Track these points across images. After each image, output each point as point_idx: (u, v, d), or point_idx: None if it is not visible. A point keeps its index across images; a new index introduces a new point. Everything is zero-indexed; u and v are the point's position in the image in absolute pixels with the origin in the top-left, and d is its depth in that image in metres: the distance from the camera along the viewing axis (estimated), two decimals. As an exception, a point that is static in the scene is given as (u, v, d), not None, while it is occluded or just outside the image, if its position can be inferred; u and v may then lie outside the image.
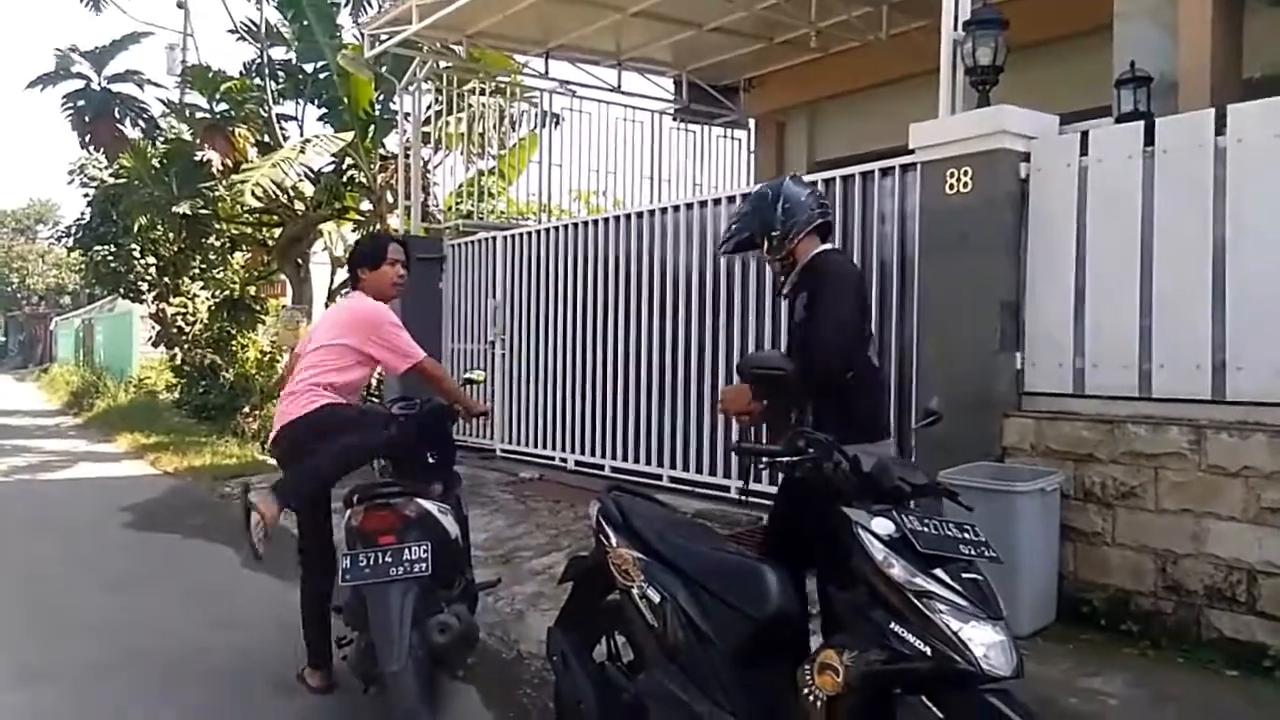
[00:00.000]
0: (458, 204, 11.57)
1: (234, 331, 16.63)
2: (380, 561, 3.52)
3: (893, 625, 2.29)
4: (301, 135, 13.53)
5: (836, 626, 2.49)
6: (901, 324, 5.36)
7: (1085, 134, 4.52)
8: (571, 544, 5.93)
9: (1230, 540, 3.85)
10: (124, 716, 3.91)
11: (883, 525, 2.42)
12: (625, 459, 7.54)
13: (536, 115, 11.38)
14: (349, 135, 12.24)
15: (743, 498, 3.02)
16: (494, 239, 9.15)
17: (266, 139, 13.88)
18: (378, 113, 12.93)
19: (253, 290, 17.41)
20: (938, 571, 2.33)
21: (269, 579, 5.46)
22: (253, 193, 10.95)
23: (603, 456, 7.76)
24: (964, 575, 2.35)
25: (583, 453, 7.99)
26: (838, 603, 2.49)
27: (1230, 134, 3.98)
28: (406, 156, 10.14)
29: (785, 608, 2.76)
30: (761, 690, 2.79)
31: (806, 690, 2.42)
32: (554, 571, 5.46)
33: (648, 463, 7.32)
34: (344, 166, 13.91)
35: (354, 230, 15.89)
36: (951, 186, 4.76)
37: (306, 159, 11.58)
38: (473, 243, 9.45)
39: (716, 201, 6.95)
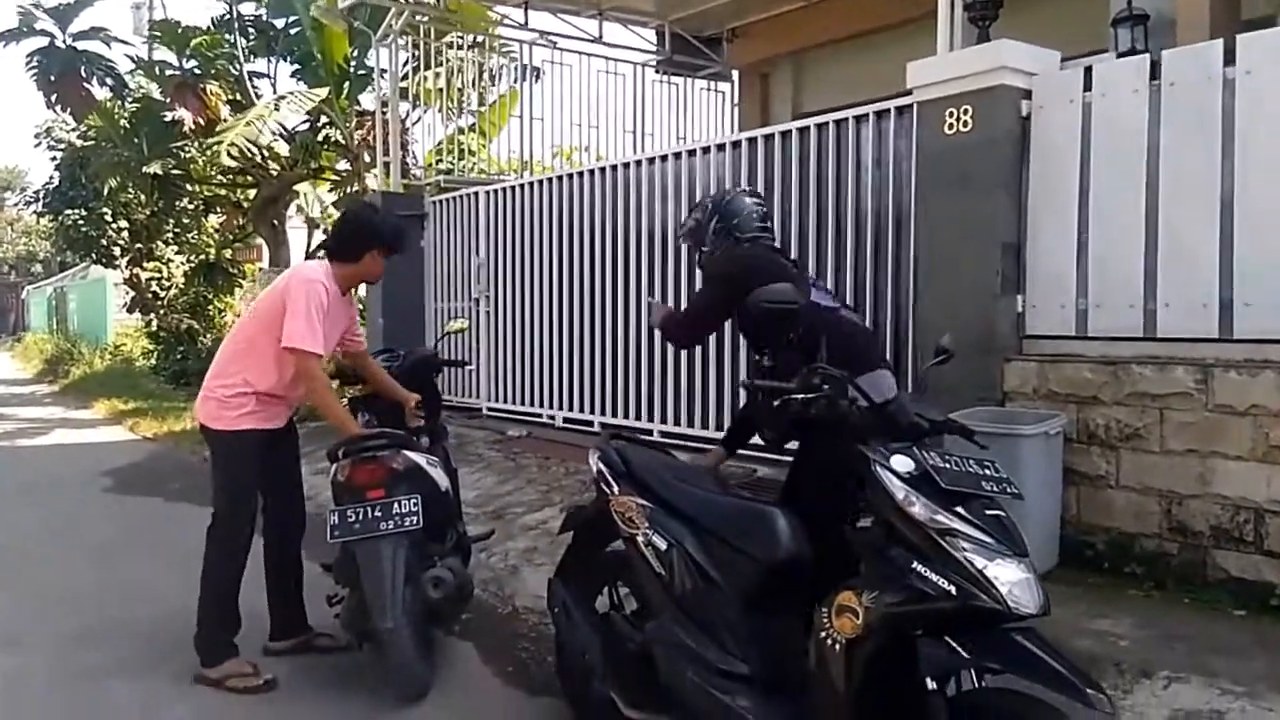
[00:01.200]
0: (437, 161, 11.34)
1: (210, 296, 16.39)
2: (369, 516, 3.42)
3: (915, 565, 2.20)
4: (275, 93, 13.22)
5: (851, 569, 2.39)
6: (897, 272, 5.25)
7: (1088, 69, 4.38)
8: (563, 499, 5.84)
9: (1237, 480, 3.79)
10: (110, 685, 3.79)
11: (902, 462, 2.32)
12: (615, 414, 7.41)
13: (516, 69, 11.14)
14: (324, 91, 11.94)
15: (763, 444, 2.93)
16: (476, 194, 8.95)
17: (238, 97, 13.55)
18: (352, 69, 12.62)
19: (229, 254, 17.14)
20: (960, 508, 2.24)
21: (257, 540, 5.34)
22: (228, 152, 10.67)
23: (592, 413, 7.64)
24: (987, 512, 2.26)
25: (571, 409, 7.87)
26: (855, 543, 2.40)
27: (1239, 65, 3.86)
28: (384, 112, 9.88)
29: (795, 552, 2.67)
30: (771, 636, 2.71)
31: (823, 634, 2.34)
32: (547, 526, 5.38)
33: (637, 418, 7.20)
34: (319, 125, 13.62)
35: (330, 190, 15.63)
36: (951, 126, 4.63)
37: (281, 116, 11.28)
38: (455, 199, 9.25)
39: (705, 150, 6.78)
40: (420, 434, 4.10)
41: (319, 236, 18.23)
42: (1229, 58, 3.91)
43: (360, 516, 3.39)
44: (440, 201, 9.49)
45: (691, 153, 6.84)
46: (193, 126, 12.32)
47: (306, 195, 16.38)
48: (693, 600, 2.75)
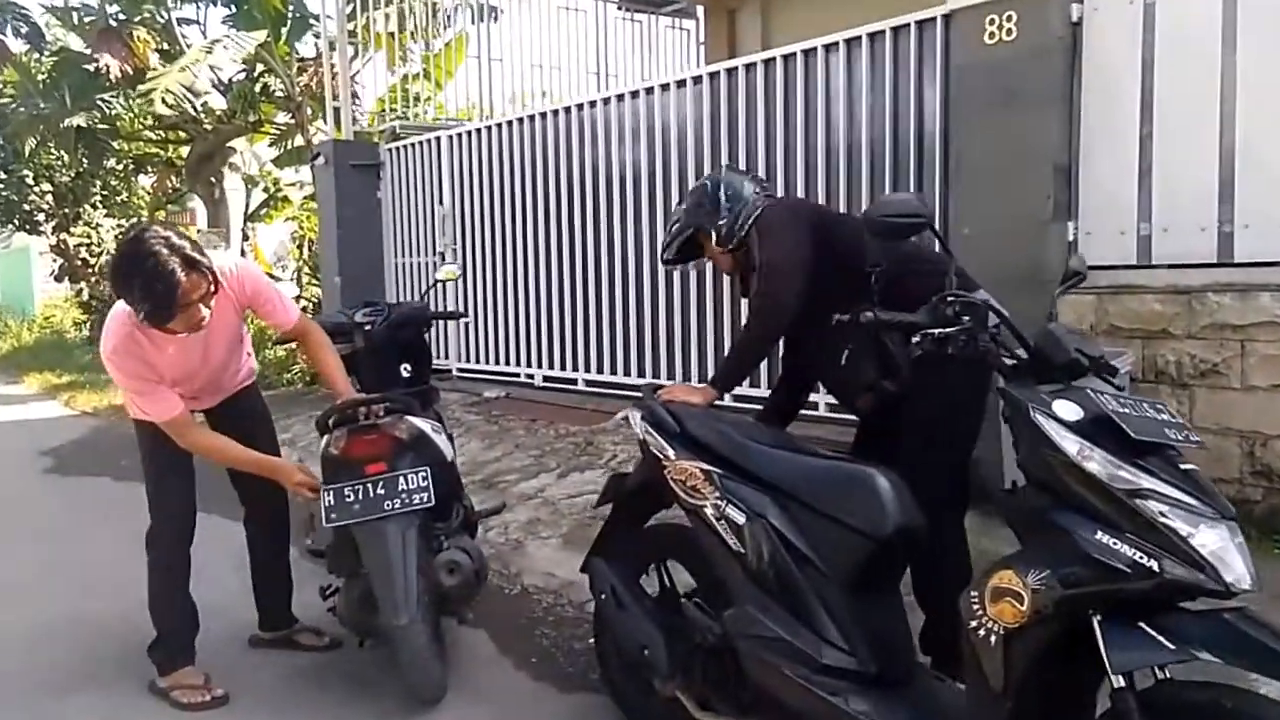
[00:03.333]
0: (389, 109, 10.61)
1: (146, 261, 15.41)
2: (372, 494, 2.90)
3: (1098, 534, 1.76)
4: (206, 40, 12.31)
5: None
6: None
7: (1149, -34, 3.93)
8: (560, 465, 5.35)
9: (1333, 416, 3.43)
10: (72, 687, 3.25)
11: (1067, 409, 1.87)
12: (600, 370, 6.92)
13: (472, 8, 10.42)
14: (261, 35, 11.11)
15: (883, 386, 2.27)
16: (437, 140, 8.30)
17: (167, 46, 12.62)
18: (290, 11, 11.78)
19: (162, 215, 16.17)
20: (1147, 462, 1.80)
21: (220, 520, 4.77)
22: (163, 100, 9.84)
23: (574, 370, 7.14)
24: (1180, 466, 1.82)
25: (551, 367, 7.35)
26: (1008, 510, 1.95)
27: (1335, -49, 3.44)
28: (333, 55, 9.14)
29: (907, 522, 2.22)
30: (877, 623, 2.26)
31: (974, 624, 1.89)
32: (547, 495, 4.90)
33: (625, 373, 6.72)
34: (256, 74, 12.74)
35: (271, 145, 14.75)
36: (992, 35, 4.15)
37: (216, 60, 10.44)
38: (414, 145, 8.59)
39: (680, 84, 6.28)
40: (410, 397, 3.57)
41: (259, 196, 17.37)
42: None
43: (360, 495, 2.87)
44: (396, 149, 8.84)
45: (665, 87, 6.30)
46: (119, 75, 11.39)
47: (244, 152, 15.49)
48: (781, 582, 2.28)
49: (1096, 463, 1.79)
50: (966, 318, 1.98)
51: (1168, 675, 1.78)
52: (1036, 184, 4.10)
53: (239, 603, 3.55)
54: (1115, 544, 1.74)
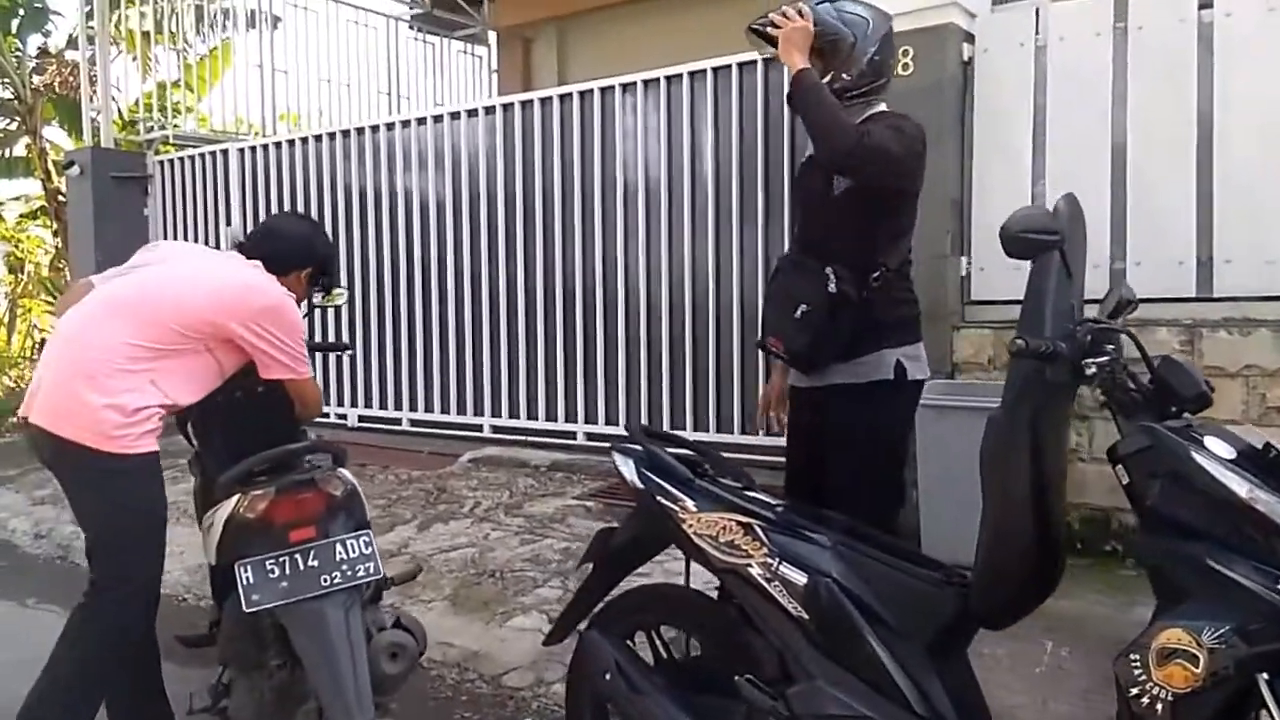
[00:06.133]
0: (144, 117, 9.40)
1: None
2: (303, 567, 2.33)
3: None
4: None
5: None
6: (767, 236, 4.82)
7: (1037, 11, 4.07)
8: (415, 515, 4.78)
9: (1228, 445, 3.61)
10: None
11: (1220, 446, 1.72)
12: (428, 410, 6.36)
13: (245, 12, 9.48)
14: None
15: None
16: (224, 153, 7.41)
17: None
18: (20, 2, 10.24)
19: None
20: (1303, 500, 1.68)
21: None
22: None
23: (396, 409, 6.52)
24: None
25: (368, 406, 6.68)
26: (1156, 559, 1.77)
27: (1218, 8, 3.68)
28: (91, 45, 7.99)
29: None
30: (955, 684, 2.02)
31: (1137, 691, 1.68)
32: (414, 550, 4.34)
33: (459, 412, 6.21)
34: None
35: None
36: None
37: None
38: (192, 158, 7.61)
39: (473, 113, 6.18)
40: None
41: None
42: None
43: (288, 570, 2.29)
44: (170, 161, 7.81)
45: (490, 110, 5.95)
46: None
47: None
48: (854, 650, 1.99)
49: (1267, 504, 1.64)
50: (1110, 346, 1.80)
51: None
52: (935, 219, 4.10)
53: None
54: (1304, 594, 1.60)
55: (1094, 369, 1.78)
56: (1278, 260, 3.56)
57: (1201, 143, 3.72)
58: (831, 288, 2.48)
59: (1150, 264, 3.82)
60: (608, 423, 5.55)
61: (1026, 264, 4.03)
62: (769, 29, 2.64)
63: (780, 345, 2.59)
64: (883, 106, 2.69)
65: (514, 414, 5.94)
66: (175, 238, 7.68)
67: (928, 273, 4.11)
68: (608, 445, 5.17)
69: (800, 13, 2.59)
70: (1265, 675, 1.62)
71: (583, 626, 2.45)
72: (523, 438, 5.87)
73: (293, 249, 2.82)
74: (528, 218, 5.85)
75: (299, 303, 2.81)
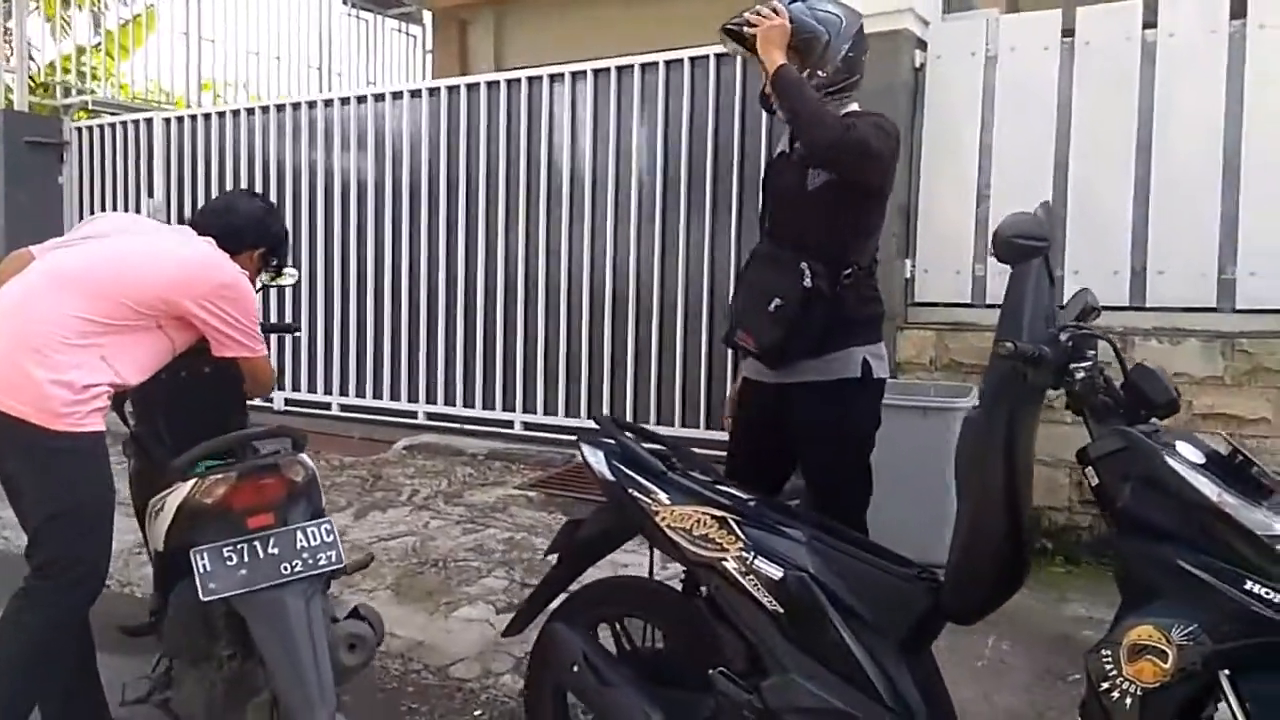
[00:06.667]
0: (60, 80, 8.98)
1: None
2: (262, 555, 2.25)
3: (1248, 584, 1.68)
4: None
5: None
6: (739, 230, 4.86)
7: (989, 22, 4.17)
8: (351, 502, 4.68)
9: (1156, 449, 3.76)
10: None
11: (1190, 451, 1.79)
12: (360, 394, 6.23)
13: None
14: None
15: None
16: (148, 122, 7.12)
17: None
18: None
19: None
20: (1270, 502, 1.76)
21: None
22: None
23: (326, 393, 6.37)
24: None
25: (296, 389, 6.51)
26: (1131, 559, 1.82)
27: (1161, 28, 3.81)
28: (5, 1, 7.59)
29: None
30: (922, 679, 2.07)
31: (1108, 685, 1.74)
32: (352, 539, 4.25)
33: (392, 398, 6.10)
34: None
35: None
36: (844, 70, 4.21)
37: None
38: (117, 125, 7.29)
39: (416, 94, 6.09)
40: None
41: None
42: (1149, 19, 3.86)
43: (246, 557, 2.21)
44: (88, 128, 7.48)
45: (420, 93, 5.85)
46: None
47: None
48: (829, 644, 2.02)
49: (1237, 509, 1.72)
50: (1092, 352, 1.85)
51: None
52: (887, 222, 4.18)
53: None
54: (1269, 593, 1.67)
55: (1082, 373, 1.82)
56: (1210, 273, 3.72)
57: (1140, 156, 3.86)
58: (807, 282, 2.50)
59: (1087, 273, 3.94)
60: (546, 413, 5.52)
61: (966, 267, 4.15)
62: (744, 29, 2.65)
63: (751, 340, 2.60)
64: (855, 105, 2.73)
65: (449, 401, 5.86)
66: (92, 207, 7.38)
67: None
68: (546, 435, 5.20)
69: (775, 10, 2.61)
70: (1227, 671, 1.69)
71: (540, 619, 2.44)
72: (458, 425, 5.79)
73: (248, 227, 2.69)
74: (470, 204, 5.77)
75: (251, 280, 2.70)
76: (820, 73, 2.61)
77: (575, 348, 5.41)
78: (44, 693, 2.40)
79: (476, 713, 2.97)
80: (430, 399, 5.94)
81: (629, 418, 5.18)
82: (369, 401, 6.16)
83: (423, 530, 4.23)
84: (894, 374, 4.24)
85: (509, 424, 5.63)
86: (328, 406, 6.31)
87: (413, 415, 5.97)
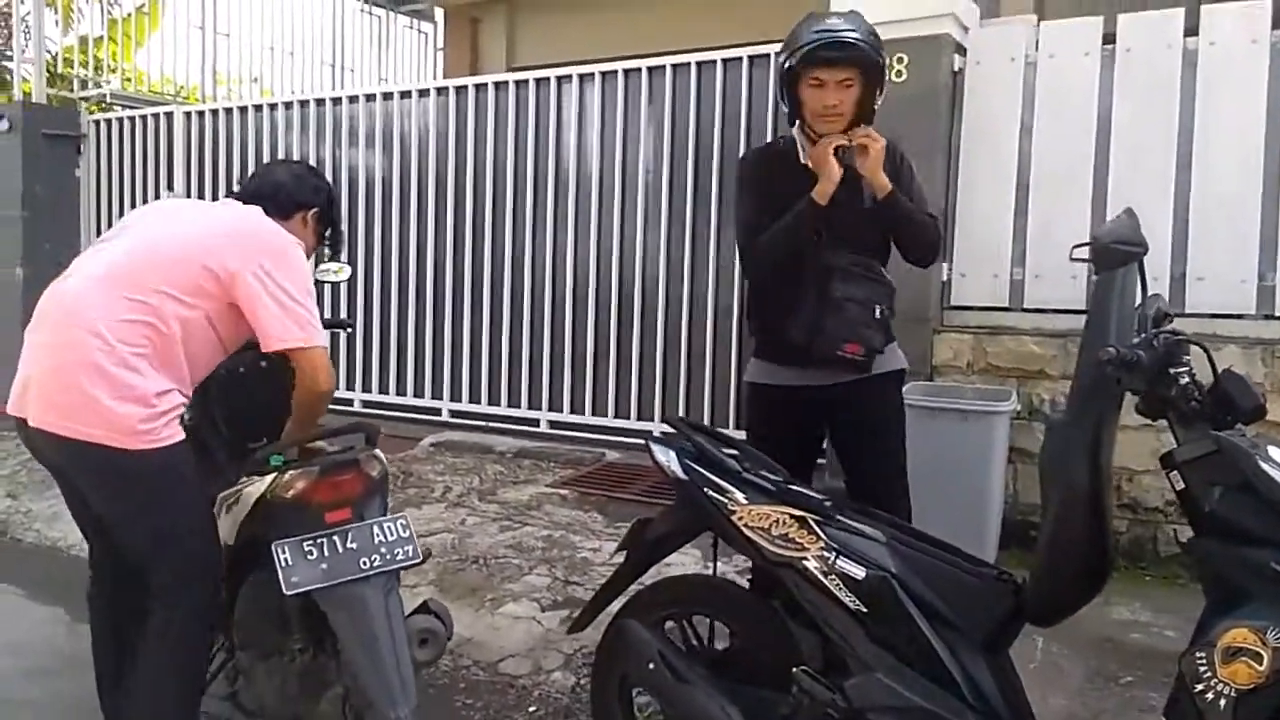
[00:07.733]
0: (79, 73, 8.93)
1: None
2: (341, 550, 2.27)
3: (1347, 590, 1.71)
4: None
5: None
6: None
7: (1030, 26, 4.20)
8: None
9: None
10: None
11: (1283, 456, 1.81)
12: (381, 391, 6.25)
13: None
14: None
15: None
16: (169, 116, 7.11)
17: None
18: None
19: None
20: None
21: None
22: None
23: (349, 390, 6.36)
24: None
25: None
26: (1225, 566, 1.84)
27: (1203, 36, 3.84)
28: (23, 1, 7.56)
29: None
30: (1004, 680, 2.09)
31: (1202, 687, 1.76)
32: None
33: (416, 395, 6.11)
34: None
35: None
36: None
37: None
38: (137, 119, 7.28)
39: (424, 93, 6.13)
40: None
41: None
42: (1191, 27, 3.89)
43: (327, 552, 2.23)
44: (106, 121, 7.46)
45: (442, 91, 5.86)
46: None
47: None
48: (913, 644, 2.04)
49: (1331, 512, 1.74)
50: (1187, 357, 1.87)
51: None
52: (923, 224, 4.21)
53: None
54: (1366, 598, 1.70)
55: (1184, 379, 1.84)
56: (1249, 280, 3.75)
57: (1180, 163, 3.89)
58: (893, 285, 2.73)
59: (1127, 278, 3.97)
60: (573, 411, 5.53)
61: (1004, 271, 4.17)
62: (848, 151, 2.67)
63: (860, 349, 2.64)
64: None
65: (474, 399, 5.87)
66: (110, 200, 7.36)
67: (911, 278, 4.21)
68: (573, 434, 5.20)
69: (870, 136, 2.67)
70: (1315, 674, 1.72)
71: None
72: (483, 423, 5.80)
73: (292, 184, 2.59)
74: (496, 203, 5.78)
75: (308, 255, 2.57)
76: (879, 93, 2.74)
77: (603, 347, 5.43)
78: (99, 677, 2.44)
79: (531, 708, 2.99)
80: (455, 397, 5.95)
81: (657, 417, 5.20)
82: (392, 398, 6.16)
83: (459, 527, 4.23)
84: (930, 376, 4.27)
85: (534, 422, 5.64)
86: (351, 403, 6.31)
87: (436, 413, 5.98)
